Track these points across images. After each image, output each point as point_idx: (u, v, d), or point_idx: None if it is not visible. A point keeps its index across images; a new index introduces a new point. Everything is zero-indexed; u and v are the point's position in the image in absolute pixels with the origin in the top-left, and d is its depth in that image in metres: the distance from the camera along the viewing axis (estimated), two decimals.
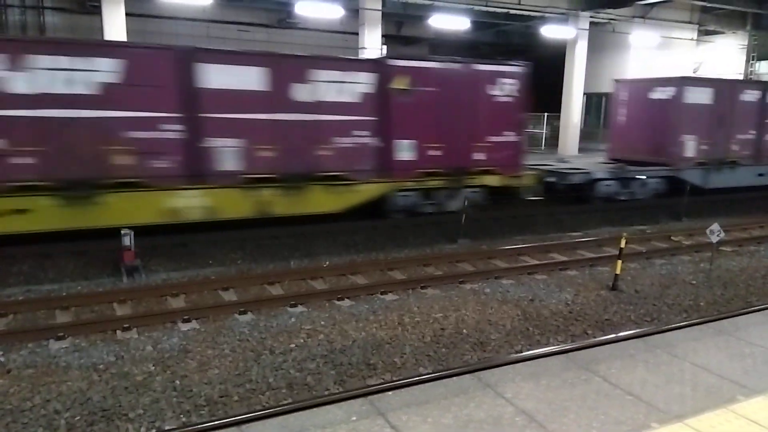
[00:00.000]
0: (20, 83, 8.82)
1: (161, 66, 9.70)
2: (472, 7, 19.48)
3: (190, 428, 4.99)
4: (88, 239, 9.99)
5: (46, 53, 8.91)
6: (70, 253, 9.79)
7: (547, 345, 7.21)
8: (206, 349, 6.80)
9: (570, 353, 6.11)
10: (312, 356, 6.68)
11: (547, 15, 21.38)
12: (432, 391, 5.14)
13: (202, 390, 5.87)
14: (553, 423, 4.59)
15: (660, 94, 16.08)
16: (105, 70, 9.23)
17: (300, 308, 8.17)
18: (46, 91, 8.95)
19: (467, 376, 5.46)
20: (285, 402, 5.65)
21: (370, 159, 11.41)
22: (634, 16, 23.29)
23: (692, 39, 26.11)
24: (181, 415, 5.44)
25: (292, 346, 6.95)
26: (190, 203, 10.11)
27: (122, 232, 9.15)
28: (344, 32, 23.42)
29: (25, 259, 9.48)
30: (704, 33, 26.85)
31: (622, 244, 9.31)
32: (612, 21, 23.15)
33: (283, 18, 22.52)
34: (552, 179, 14.75)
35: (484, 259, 10.75)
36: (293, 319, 7.74)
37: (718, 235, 9.39)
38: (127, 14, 15.12)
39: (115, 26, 14.75)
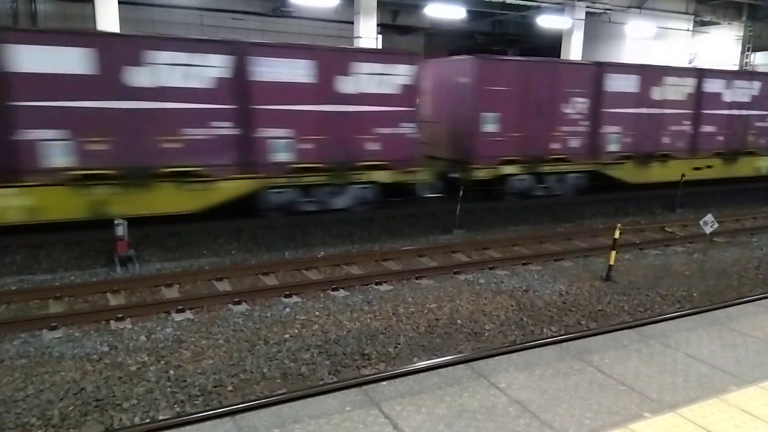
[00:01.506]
0: (656, 94, 14.96)
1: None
2: None
3: (184, 418, 4.99)
4: (84, 229, 9.95)
5: (671, 75, 15.16)
6: (63, 244, 9.74)
7: (540, 335, 7.24)
8: (200, 340, 6.79)
9: (563, 343, 6.14)
10: (306, 346, 6.68)
11: (543, 5, 21.28)
12: (426, 381, 5.16)
13: (196, 380, 5.86)
14: (547, 413, 4.61)
15: None
16: (691, 85, 15.58)
17: (294, 298, 8.17)
18: (663, 98, 15.06)
19: (461, 366, 5.48)
20: (279, 392, 5.65)
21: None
22: (630, 6, 23.22)
23: (688, 29, 26.05)
24: (175, 405, 5.44)
25: (287, 336, 6.95)
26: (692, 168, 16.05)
27: (116, 222, 9.11)
28: (339, 21, 23.24)
29: (19, 249, 9.43)
30: (700, 24, 26.79)
31: (616, 234, 9.34)
32: (608, 11, 23.06)
33: (278, 6, 22.29)
34: None
35: (479, 250, 10.77)
36: (288, 310, 7.74)
37: (711, 226, 9.43)
38: (119, 2, 14.90)
39: (107, 15, 14.52)
